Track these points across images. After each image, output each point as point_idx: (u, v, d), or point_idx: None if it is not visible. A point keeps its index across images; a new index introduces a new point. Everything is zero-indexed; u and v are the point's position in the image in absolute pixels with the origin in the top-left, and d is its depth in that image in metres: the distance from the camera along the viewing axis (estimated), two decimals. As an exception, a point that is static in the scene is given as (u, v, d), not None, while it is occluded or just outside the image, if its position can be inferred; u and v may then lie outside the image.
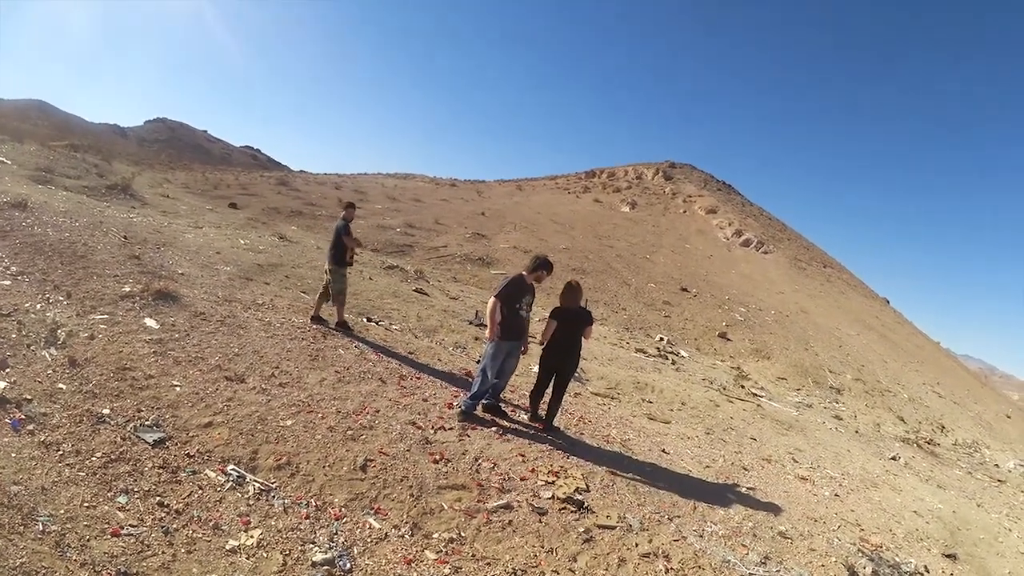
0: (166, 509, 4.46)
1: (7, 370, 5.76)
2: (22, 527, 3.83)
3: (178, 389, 6.21)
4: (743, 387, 16.54)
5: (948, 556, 7.57)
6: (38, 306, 7.39)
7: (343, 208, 10.48)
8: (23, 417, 5.02)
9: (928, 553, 7.48)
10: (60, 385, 5.69)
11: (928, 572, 6.90)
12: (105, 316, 7.55)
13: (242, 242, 15.54)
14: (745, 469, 8.95)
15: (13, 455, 4.49)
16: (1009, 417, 33.59)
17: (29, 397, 5.35)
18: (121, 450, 4.93)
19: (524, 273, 7.88)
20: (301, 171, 57.83)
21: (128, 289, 8.55)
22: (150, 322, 7.69)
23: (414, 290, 15.98)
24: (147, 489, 4.60)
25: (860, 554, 6.75)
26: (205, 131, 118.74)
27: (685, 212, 56.71)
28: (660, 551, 5.63)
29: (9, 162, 19.64)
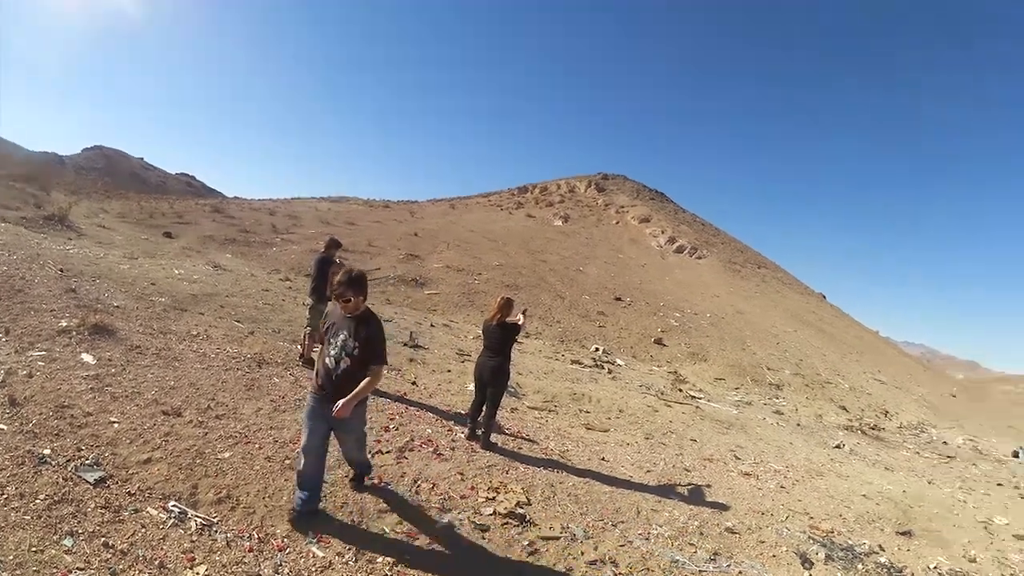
0: (111, 550, 4.33)
1: (-54, 412, 5.58)
2: (-30, 576, 3.68)
3: (116, 426, 6.02)
4: (681, 391, 16.65)
5: (903, 534, 7.74)
6: (-24, 344, 7.20)
7: (326, 245, 10.25)
8: (-36, 460, 4.85)
9: (882, 533, 7.64)
10: (1, 425, 5.50)
11: (884, 550, 7.03)
12: (43, 353, 7.30)
13: (176, 272, 15.18)
14: (687, 470, 9.06)
15: (-45, 500, 4.34)
16: (954, 396, 34.56)
17: (-30, 439, 5.19)
18: (64, 491, 4.76)
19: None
20: (236, 197, 56.60)
21: (65, 324, 8.29)
22: (87, 357, 7.46)
23: (347, 315, 15.68)
24: (92, 530, 4.46)
25: (811, 541, 6.84)
26: (141, 158, 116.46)
27: (618, 223, 57.20)
28: (607, 557, 5.69)
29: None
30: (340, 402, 5.07)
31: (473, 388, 8.65)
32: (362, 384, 5.20)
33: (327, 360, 5.28)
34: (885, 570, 6.47)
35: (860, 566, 6.45)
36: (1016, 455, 16.66)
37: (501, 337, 8.16)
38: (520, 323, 8.40)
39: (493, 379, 8.11)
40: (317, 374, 5.40)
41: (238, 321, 11.69)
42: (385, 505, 5.85)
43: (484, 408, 8.22)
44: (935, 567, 6.87)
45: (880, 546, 7.10)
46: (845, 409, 20.25)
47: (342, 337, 5.24)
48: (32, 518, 4.36)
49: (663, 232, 53.93)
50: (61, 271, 11.32)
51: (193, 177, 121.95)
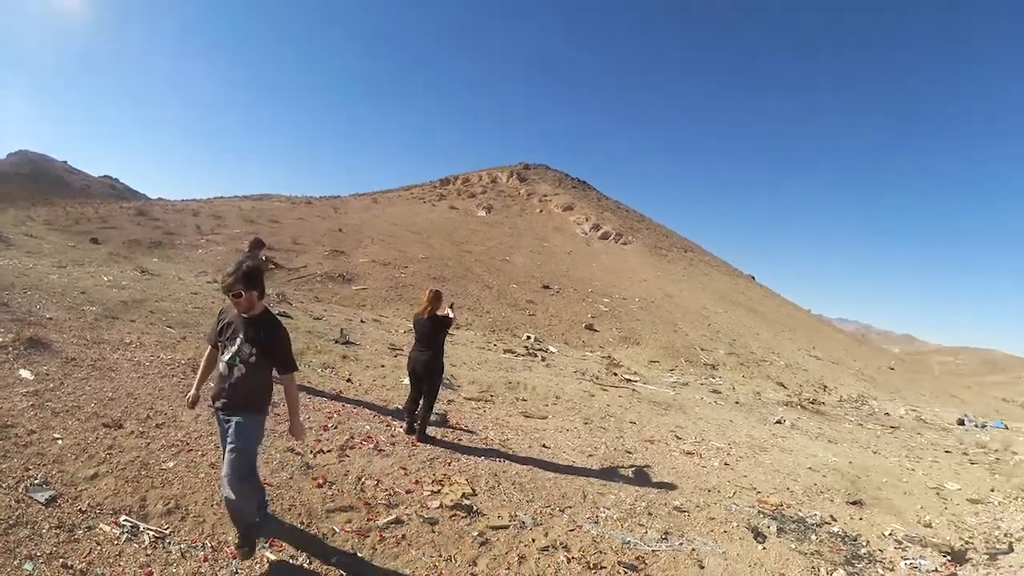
0: (71, 570, 4.31)
1: None
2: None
3: (60, 442, 5.93)
4: (616, 374, 16.76)
5: (854, 503, 7.88)
6: (-86, 365, 7.07)
7: (250, 245, 10.13)
8: (-90, 490, 4.77)
9: (832, 504, 7.79)
10: None
11: (836, 520, 7.14)
12: None
13: (105, 279, 14.89)
14: (629, 452, 9.11)
15: (-93, 533, 4.38)
16: (892, 368, 35.56)
17: (-87, 467, 5.09)
18: (18, 514, 4.69)
19: None
20: (159, 199, 55.20)
21: (0, 339, 8.15)
22: (24, 373, 7.35)
23: (278, 314, 15.37)
24: (49, 552, 4.42)
25: (761, 515, 6.90)
26: (65, 162, 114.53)
27: (541, 211, 57.46)
28: (558, 543, 5.73)
29: None
30: (299, 426, 4.89)
31: (408, 382, 8.60)
32: (290, 399, 4.85)
33: (220, 366, 4.73)
34: (839, 539, 6.57)
35: (813, 536, 6.53)
36: (961, 423, 17.17)
37: (432, 330, 8.15)
38: (451, 316, 8.41)
39: (426, 373, 8.10)
40: (213, 382, 4.87)
41: (169, 327, 11.50)
42: (332, 504, 5.83)
43: (421, 402, 8.19)
44: (890, 533, 7.00)
45: (832, 516, 7.21)
46: (783, 385, 20.79)
47: (238, 341, 4.66)
48: (-11, 545, 4.33)
49: (587, 219, 54.33)
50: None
51: (116, 179, 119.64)
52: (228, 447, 4.61)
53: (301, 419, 5.12)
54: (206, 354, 5.00)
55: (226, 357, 4.64)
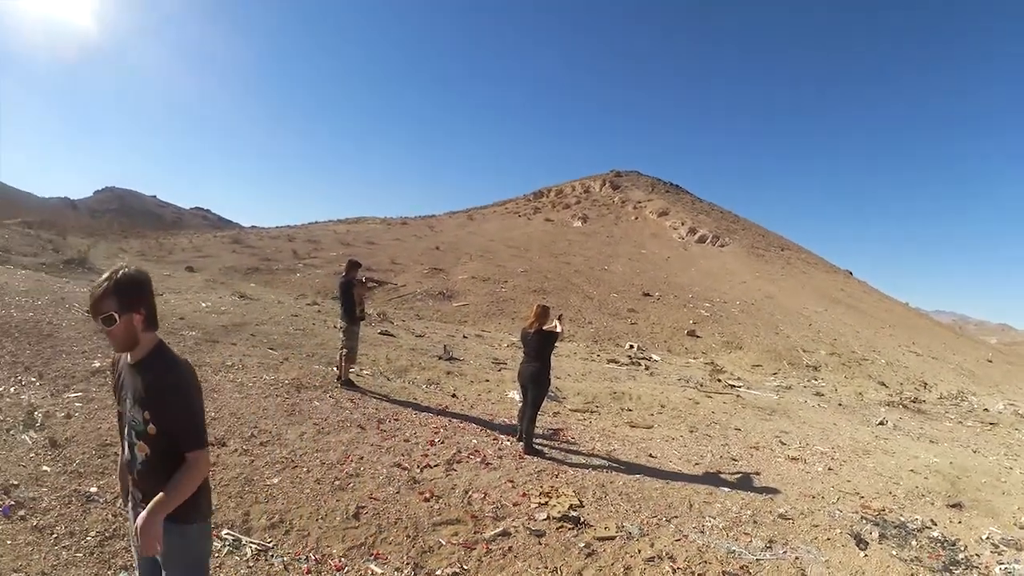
0: None
1: (-11, 456, 5.62)
2: (27, 614, 3.66)
3: None
4: (719, 381, 16.67)
5: (953, 506, 7.76)
6: (12, 389, 7.32)
7: (347, 267, 10.54)
8: (13, 503, 4.91)
9: (932, 507, 7.68)
10: (44, 467, 5.56)
11: (936, 524, 7.05)
12: (79, 393, 7.45)
13: (203, 305, 15.30)
14: (734, 460, 9.06)
15: (8, 542, 4.41)
16: (991, 361, 34.24)
17: (16, 482, 5.23)
18: (114, 527, 4.80)
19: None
20: (253, 227, 56.15)
21: (98, 364, 8.44)
22: None
23: (380, 333, 15.86)
24: None
25: (864, 521, 6.85)
26: (154, 196, 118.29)
27: (637, 218, 57.26)
28: (664, 553, 5.65)
29: (-36, 243, 19.19)
30: (139, 521, 2.56)
31: (515, 395, 8.82)
32: (171, 483, 2.67)
33: (124, 444, 2.96)
34: (939, 544, 6.49)
35: (914, 542, 6.47)
36: (1057, 416, 16.54)
37: (539, 344, 8.27)
38: (558, 330, 8.50)
39: (532, 384, 8.23)
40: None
41: (271, 348, 11.78)
42: (439, 517, 5.85)
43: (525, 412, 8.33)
44: (987, 537, 6.88)
45: (932, 520, 7.12)
46: (884, 384, 20.31)
47: (128, 403, 2.87)
48: (85, 555, 4.41)
49: (683, 224, 53.93)
50: (87, 313, 11.51)
51: (208, 210, 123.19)
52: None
53: (411, 433, 5.22)
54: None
55: (125, 430, 2.92)
